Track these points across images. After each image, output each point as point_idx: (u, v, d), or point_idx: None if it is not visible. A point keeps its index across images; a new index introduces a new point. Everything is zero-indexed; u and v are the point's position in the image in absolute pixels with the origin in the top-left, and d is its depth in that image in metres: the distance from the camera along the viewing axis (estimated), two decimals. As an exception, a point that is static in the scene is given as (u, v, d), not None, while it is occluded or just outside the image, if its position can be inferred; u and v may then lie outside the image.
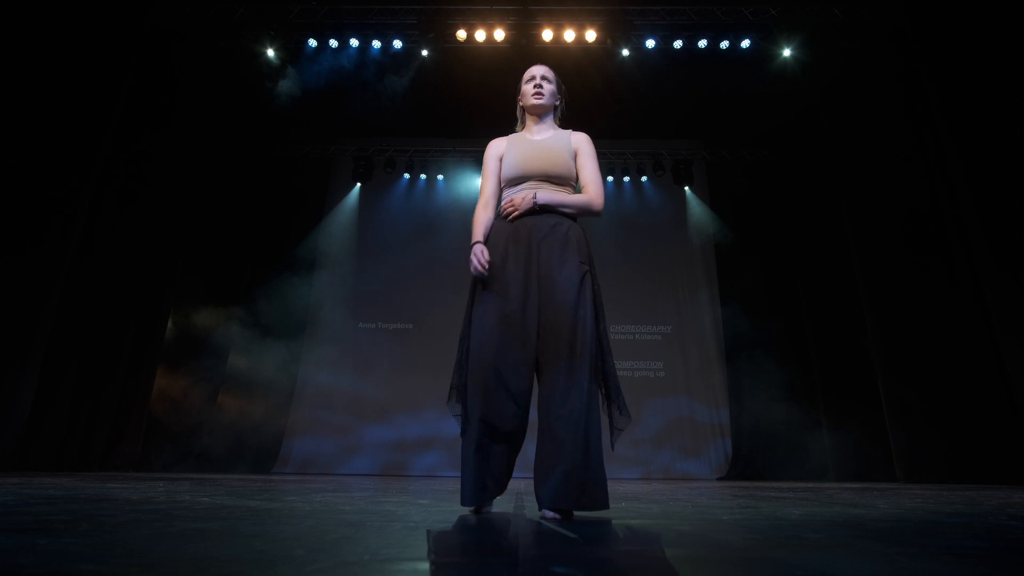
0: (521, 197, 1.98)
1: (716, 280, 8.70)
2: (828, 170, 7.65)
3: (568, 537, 1.37)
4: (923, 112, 6.44)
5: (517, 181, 2.03)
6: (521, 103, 2.19)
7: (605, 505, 1.76)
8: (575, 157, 2.07)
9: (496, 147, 2.15)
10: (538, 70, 2.16)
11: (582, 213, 2.03)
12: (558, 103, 2.19)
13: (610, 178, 9.26)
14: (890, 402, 6.34)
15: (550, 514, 1.74)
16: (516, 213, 1.98)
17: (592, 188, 2.03)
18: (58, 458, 5.87)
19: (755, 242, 8.51)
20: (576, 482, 1.72)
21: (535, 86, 2.13)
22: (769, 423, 7.54)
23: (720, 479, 7.37)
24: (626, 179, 9.29)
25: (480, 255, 1.91)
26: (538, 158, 2.02)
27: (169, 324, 7.21)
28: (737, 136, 8.97)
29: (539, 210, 1.96)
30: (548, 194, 1.98)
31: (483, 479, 1.80)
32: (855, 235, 7.00)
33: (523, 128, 2.20)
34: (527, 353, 1.83)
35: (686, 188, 9.15)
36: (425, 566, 0.98)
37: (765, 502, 2.59)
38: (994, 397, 5.69)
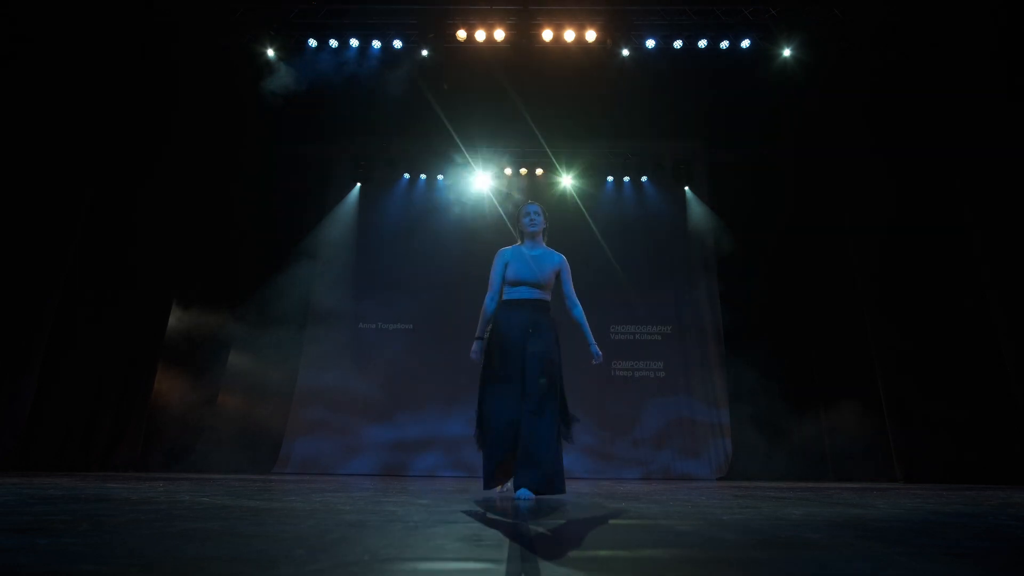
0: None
1: (716, 280, 8.69)
2: (828, 170, 7.64)
3: (568, 537, 1.37)
4: (923, 111, 6.44)
5: (516, 284, 2.95)
6: (519, 229, 3.13)
7: (562, 491, 2.66)
8: (557, 273, 3.01)
9: (502, 256, 3.06)
10: (533, 207, 3.12)
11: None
12: (545, 227, 3.12)
13: (610, 178, 9.26)
14: (890, 402, 6.34)
15: (525, 494, 2.55)
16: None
17: (575, 300, 3.06)
18: (58, 458, 5.86)
19: (755, 242, 8.50)
20: (544, 475, 2.60)
21: (531, 220, 3.07)
22: (769, 423, 7.53)
23: (720, 479, 7.37)
24: (626, 179, 9.28)
25: (475, 353, 2.96)
26: (531, 271, 2.94)
27: (169, 324, 7.20)
28: (737, 136, 8.96)
29: (539, 306, 2.93)
30: (595, 345, 3.06)
31: (494, 471, 2.78)
32: (855, 234, 7.00)
33: (520, 242, 3.11)
34: (517, 396, 2.74)
35: (686, 188, 9.15)
36: (425, 566, 0.98)
37: (765, 502, 2.59)
38: (994, 397, 5.69)
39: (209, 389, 7.79)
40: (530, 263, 2.94)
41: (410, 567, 0.96)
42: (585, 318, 3.02)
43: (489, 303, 2.99)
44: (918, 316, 6.27)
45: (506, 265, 3.00)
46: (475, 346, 2.95)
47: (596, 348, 3.02)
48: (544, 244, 3.10)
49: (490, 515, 1.86)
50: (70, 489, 2.78)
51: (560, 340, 2.96)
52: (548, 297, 2.97)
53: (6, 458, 5.22)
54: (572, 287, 3.04)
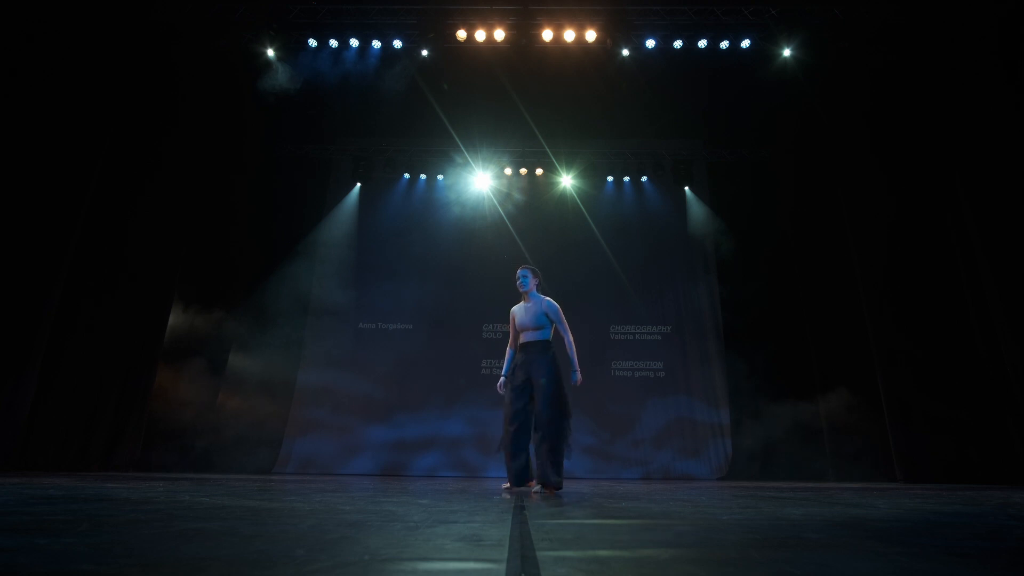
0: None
1: (716, 280, 8.69)
2: (828, 170, 7.64)
3: (568, 537, 1.37)
4: (923, 111, 6.44)
5: (520, 331, 3.78)
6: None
7: (559, 487, 3.40)
8: (546, 315, 3.73)
9: (512, 314, 3.87)
10: (521, 271, 3.84)
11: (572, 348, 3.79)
12: (537, 282, 3.83)
13: (610, 178, 9.28)
14: (890, 402, 6.34)
15: (537, 487, 3.41)
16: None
17: (564, 333, 3.75)
18: (58, 458, 5.86)
19: (755, 242, 8.50)
20: (549, 474, 3.40)
21: (520, 283, 3.81)
22: (769, 423, 7.53)
23: (720, 479, 7.37)
24: (626, 179, 9.28)
25: (501, 387, 3.79)
26: (526, 322, 3.74)
27: (170, 323, 7.20)
28: (737, 136, 8.96)
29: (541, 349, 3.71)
30: (577, 372, 3.77)
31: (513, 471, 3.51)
32: (855, 235, 6.99)
33: (522, 299, 3.86)
34: (527, 419, 3.60)
35: (686, 188, 9.15)
36: (425, 566, 0.98)
37: (765, 502, 2.59)
38: (994, 397, 5.69)
39: (209, 388, 7.79)
40: (526, 313, 3.77)
41: (410, 567, 0.96)
42: (573, 347, 3.76)
43: (508, 349, 3.89)
44: (918, 316, 6.26)
45: (513, 320, 3.87)
46: (500, 382, 3.79)
47: (578, 374, 3.73)
48: (539, 294, 3.82)
49: (490, 515, 1.86)
50: (70, 489, 2.78)
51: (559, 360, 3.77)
52: (546, 336, 3.75)
53: (6, 458, 5.22)
54: (563, 324, 3.78)
